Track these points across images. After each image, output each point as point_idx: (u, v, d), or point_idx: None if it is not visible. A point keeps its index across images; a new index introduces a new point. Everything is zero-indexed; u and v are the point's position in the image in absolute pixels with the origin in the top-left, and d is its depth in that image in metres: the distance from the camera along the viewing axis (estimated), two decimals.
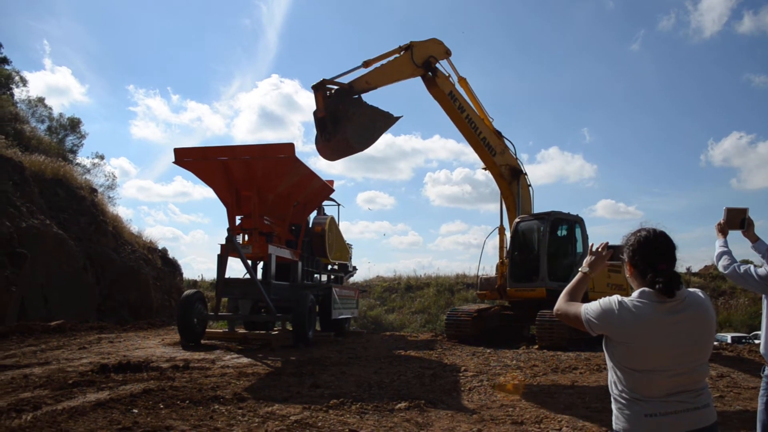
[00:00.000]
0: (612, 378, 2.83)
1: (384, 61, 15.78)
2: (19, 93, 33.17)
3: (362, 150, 15.09)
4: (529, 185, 17.28)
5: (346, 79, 14.97)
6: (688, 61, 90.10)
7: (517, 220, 16.30)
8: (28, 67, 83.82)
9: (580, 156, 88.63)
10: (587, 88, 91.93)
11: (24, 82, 34.08)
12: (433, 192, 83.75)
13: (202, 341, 13.74)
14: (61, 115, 34.87)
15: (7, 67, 33.82)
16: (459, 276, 34.45)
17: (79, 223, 20.64)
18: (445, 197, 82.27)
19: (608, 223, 79.96)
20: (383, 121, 15.62)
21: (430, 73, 16.07)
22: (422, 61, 16.02)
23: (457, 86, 16.62)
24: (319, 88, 14.74)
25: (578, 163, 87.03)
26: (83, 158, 33.86)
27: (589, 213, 78.77)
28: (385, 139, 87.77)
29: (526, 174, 17.21)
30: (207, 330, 14.26)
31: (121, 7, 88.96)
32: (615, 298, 2.83)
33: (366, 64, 15.69)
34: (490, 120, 17.04)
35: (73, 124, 34.40)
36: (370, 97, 15.07)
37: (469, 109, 16.60)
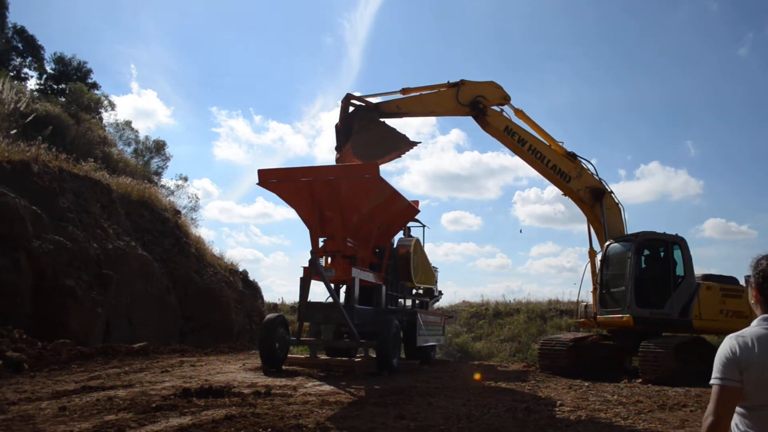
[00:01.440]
0: (734, 419, 2.64)
1: (426, 92, 15.86)
2: (107, 117, 35.02)
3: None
4: (618, 203, 16.76)
5: (377, 100, 15.37)
6: None
7: (607, 242, 15.84)
8: (116, 91, 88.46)
9: (684, 171, 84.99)
10: (690, 98, 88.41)
11: (112, 105, 35.99)
12: (523, 212, 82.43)
13: (284, 367, 13.90)
14: (147, 137, 36.59)
15: (96, 92, 35.79)
16: (551, 302, 33.60)
17: (163, 245, 21.43)
18: (535, 217, 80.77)
19: (718, 245, 76.30)
20: (395, 142, 15.71)
21: (479, 112, 16.00)
22: (468, 101, 16.02)
23: (515, 119, 16.48)
24: (344, 102, 15.15)
25: (682, 178, 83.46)
26: (167, 180, 35.29)
27: (696, 233, 75.14)
28: (471, 157, 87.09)
29: (611, 192, 16.72)
30: (288, 355, 14.42)
31: (205, 32, 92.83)
32: (730, 340, 2.66)
33: (405, 91, 15.85)
34: (560, 144, 16.72)
35: (158, 147, 35.96)
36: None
37: (531, 140, 16.39)
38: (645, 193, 78.51)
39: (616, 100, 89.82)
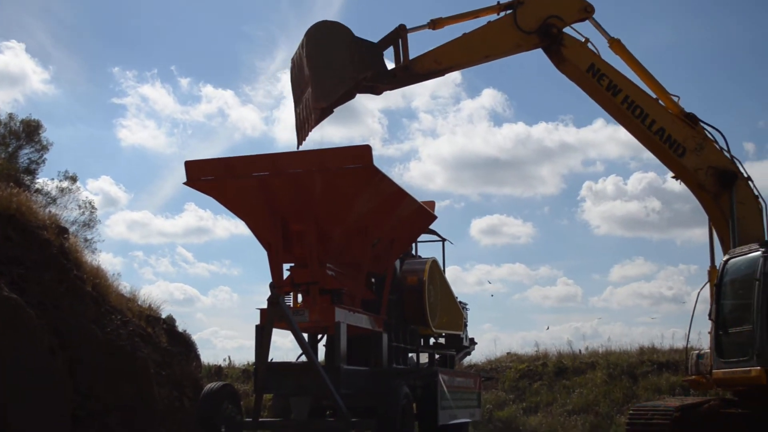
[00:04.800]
0: None
1: (466, 26, 16.12)
2: None
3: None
4: (758, 196, 16.76)
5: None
6: None
7: (725, 257, 15.75)
8: None
9: None
10: None
11: None
12: (597, 213, 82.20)
13: None
14: (11, 116, 36.41)
15: None
16: (644, 350, 33.60)
17: (42, 282, 21.39)
18: (616, 221, 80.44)
19: None
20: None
21: (551, 41, 16.16)
22: (536, 24, 16.14)
23: (608, 56, 16.65)
24: (392, 36, 15.91)
25: None
26: (46, 180, 35.24)
27: None
28: (515, 131, 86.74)
29: (749, 179, 16.74)
30: None
31: None
32: None
33: (435, 24, 16.00)
34: (674, 99, 16.85)
35: (30, 130, 35.88)
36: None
37: (629, 88, 16.46)
38: None
39: (740, 39, 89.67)
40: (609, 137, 77.57)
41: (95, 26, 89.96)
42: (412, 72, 15.69)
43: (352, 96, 16.08)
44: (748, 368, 14.44)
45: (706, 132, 16.74)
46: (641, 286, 73.37)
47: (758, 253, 14.84)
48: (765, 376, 14.06)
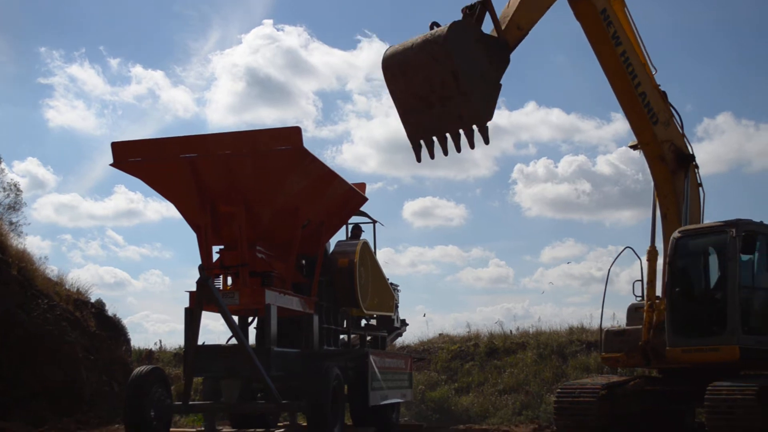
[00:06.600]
0: None
1: None
2: None
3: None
4: (700, 184, 17.34)
5: None
6: None
7: (677, 234, 15.76)
8: None
9: None
10: None
11: None
12: (528, 195, 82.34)
13: None
14: None
15: None
16: (574, 330, 33.78)
17: None
18: (547, 203, 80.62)
19: None
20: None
21: None
22: None
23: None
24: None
25: None
26: None
27: None
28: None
29: (697, 167, 17.29)
30: (172, 429, 14.38)
31: None
32: None
33: None
34: (653, 71, 17.25)
35: None
36: None
37: (627, 45, 16.69)
38: (712, 161, 79.01)
39: (668, 20, 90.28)
40: (541, 120, 77.90)
41: (20, 3, 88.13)
42: (508, 47, 15.30)
43: None
44: (717, 345, 14.55)
45: (672, 112, 17.19)
46: (571, 267, 73.79)
47: (728, 233, 15.02)
48: (738, 355, 14.22)
